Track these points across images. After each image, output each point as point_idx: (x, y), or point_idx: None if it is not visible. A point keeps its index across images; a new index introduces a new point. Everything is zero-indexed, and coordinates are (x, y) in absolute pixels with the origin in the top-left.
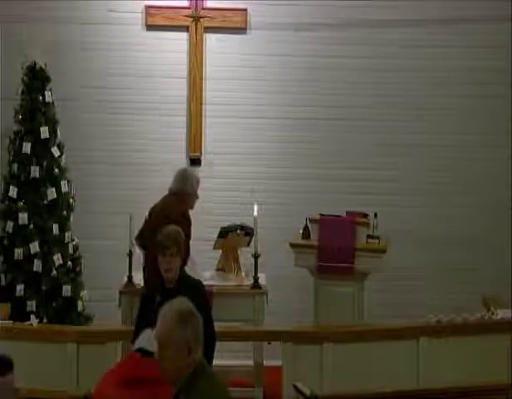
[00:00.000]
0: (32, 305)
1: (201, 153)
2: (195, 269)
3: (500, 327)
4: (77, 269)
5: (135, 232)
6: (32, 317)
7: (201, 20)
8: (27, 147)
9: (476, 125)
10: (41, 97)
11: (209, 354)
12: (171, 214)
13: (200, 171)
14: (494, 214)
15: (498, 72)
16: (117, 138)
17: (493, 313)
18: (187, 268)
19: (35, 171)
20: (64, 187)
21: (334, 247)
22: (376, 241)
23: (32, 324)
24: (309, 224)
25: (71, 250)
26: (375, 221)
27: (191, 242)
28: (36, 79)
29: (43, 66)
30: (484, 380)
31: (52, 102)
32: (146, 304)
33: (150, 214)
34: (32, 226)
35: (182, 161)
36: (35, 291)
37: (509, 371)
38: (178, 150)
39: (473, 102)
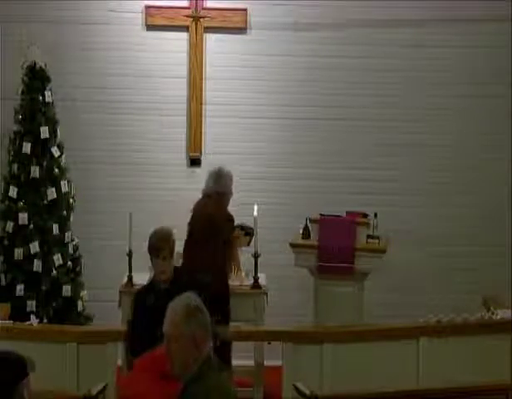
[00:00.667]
0: (32, 305)
1: (201, 153)
2: None
3: (500, 327)
4: (77, 269)
5: (135, 232)
6: (32, 317)
7: (201, 20)
8: (27, 147)
9: (476, 125)
10: (41, 97)
11: None
12: (215, 222)
13: (200, 171)
14: (494, 214)
15: (498, 72)
16: (117, 138)
17: (493, 313)
18: None
19: (35, 171)
20: (64, 187)
21: (334, 247)
22: (376, 241)
23: (32, 324)
24: (309, 224)
25: (71, 250)
26: (375, 221)
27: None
28: (36, 79)
29: (43, 66)
30: (484, 380)
31: (52, 102)
32: (140, 304)
33: (190, 224)
34: (31, 226)
35: (182, 161)
36: (35, 291)
37: (510, 371)
38: (178, 150)
39: (473, 102)
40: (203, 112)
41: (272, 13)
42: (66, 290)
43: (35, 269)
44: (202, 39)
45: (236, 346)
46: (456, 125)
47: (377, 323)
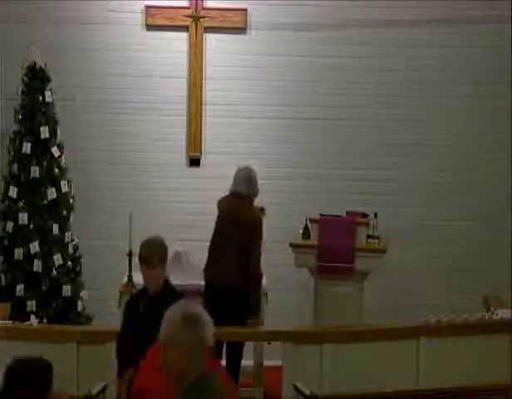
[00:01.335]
0: (32, 305)
1: (201, 153)
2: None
3: (500, 327)
4: (77, 269)
5: (135, 232)
6: (32, 317)
7: (201, 20)
8: (27, 147)
9: (476, 125)
10: (41, 97)
11: None
12: (249, 223)
13: (200, 171)
14: (494, 214)
15: (498, 72)
16: (117, 138)
17: (493, 313)
18: None
19: (35, 171)
20: (64, 187)
21: (334, 247)
22: (376, 241)
23: (31, 324)
24: (309, 224)
25: (71, 250)
26: (375, 221)
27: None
28: (36, 79)
29: (43, 66)
30: (484, 380)
31: (52, 102)
32: (130, 311)
33: (217, 223)
34: (32, 226)
35: (182, 161)
36: (35, 291)
37: (510, 371)
38: (178, 150)
39: (473, 102)
40: (203, 112)
41: (272, 13)
42: (66, 290)
43: (35, 269)
44: (202, 39)
45: None
46: (456, 125)
47: (377, 323)
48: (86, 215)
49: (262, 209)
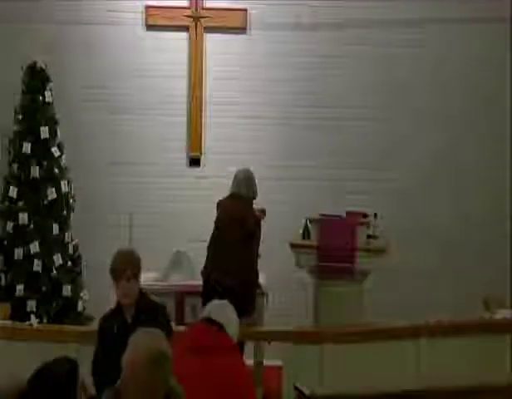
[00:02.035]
0: (31, 305)
1: (201, 153)
2: None
3: (500, 327)
4: (77, 269)
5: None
6: (32, 317)
7: (201, 20)
8: (27, 147)
9: (476, 126)
10: (41, 97)
11: None
12: (248, 224)
13: (200, 171)
14: (494, 215)
15: (498, 73)
16: (117, 138)
17: (493, 313)
18: None
19: (35, 171)
20: (64, 187)
21: (334, 247)
22: (376, 241)
23: (31, 324)
24: (309, 224)
25: (71, 250)
26: (375, 221)
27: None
28: (36, 79)
29: (43, 66)
30: (484, 380)
31: (52, 102)
32: (105, 332)
33: (217, 223)
34: (32, 226)
35: (182, 161)
36: (35, 291)
37: (510, 371)
38: (178, 150)
39: (473, 102)
40: (203, 112)
41: (272, 13)
42: (66, 290)
43: (35, 269)
44: (202, 39)
45: None
46: (456, 126)
47: (377, 323)
48: (86, 215)
49: (262, 211)
